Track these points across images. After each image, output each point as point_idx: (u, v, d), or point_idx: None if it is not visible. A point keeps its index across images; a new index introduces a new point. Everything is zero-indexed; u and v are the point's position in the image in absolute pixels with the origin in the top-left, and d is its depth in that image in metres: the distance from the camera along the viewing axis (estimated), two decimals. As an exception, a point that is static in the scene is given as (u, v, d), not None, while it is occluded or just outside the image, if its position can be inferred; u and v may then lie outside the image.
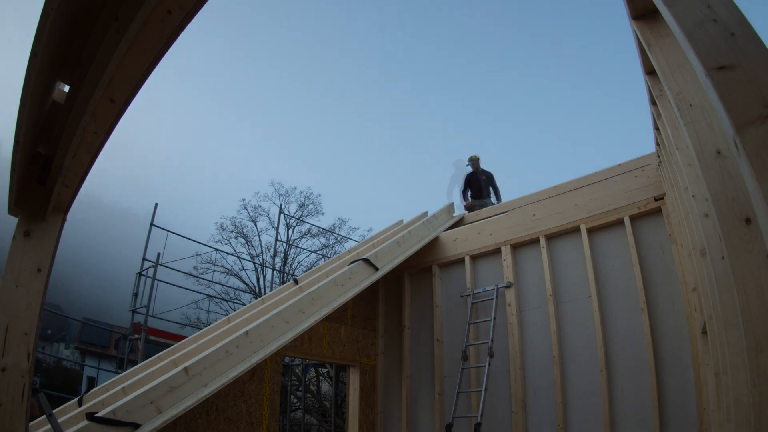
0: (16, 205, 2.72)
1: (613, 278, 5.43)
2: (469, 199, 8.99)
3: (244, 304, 10.96)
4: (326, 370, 14.21)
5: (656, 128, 4.29)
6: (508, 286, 6.10)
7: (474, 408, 5.79)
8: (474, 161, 9.28)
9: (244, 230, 19.78)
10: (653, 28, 2.73)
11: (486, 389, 5.55)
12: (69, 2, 1.71)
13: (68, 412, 4.43)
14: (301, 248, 18.19)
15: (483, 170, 9.22)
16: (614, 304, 5.33)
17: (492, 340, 5.80)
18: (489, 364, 5.68)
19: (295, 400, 13.68)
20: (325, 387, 15.42)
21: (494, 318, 5.93)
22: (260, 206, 20.62)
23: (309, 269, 10.28)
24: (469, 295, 6.40)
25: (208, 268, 17.26)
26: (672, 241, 5.03)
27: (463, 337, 6.38)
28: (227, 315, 7.08)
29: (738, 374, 2.10)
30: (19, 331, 2.47)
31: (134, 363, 6.98)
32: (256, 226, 20.05)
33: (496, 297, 6.07)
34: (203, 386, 4.18)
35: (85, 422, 3.43)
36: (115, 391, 4.57)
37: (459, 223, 7.82)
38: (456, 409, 5.75)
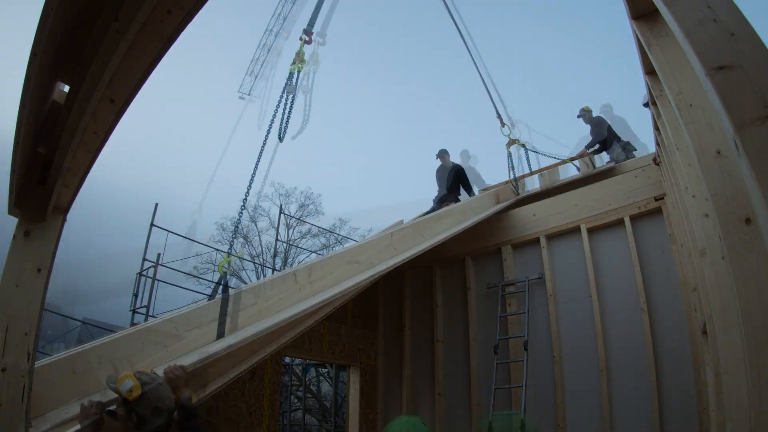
0: (16, 205, 2.71)
1: (613, 278, 5.43)
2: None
3: (244, 304, 10.96)
4: (326, 370, 14.21)
5: (656, 128, 4.29)
6: (539, 278, 5.92)
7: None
8: (441, 155, 8.49)
9: (245, 230, 19.78)
10: (653, 28, 2.73)
11: (527, 385, 5.39)
12: (69, 2, 1.71)
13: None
14: (301, 248, 18.21)
15: (454, 164, 8.40)
16: (614, 304, 5.33)
17: (528, 334, 5.67)
18: (526, 359, 5.56)
19: (295, 400, 13.67)
20: (325, 387, 15.41)
21: (527, 311, 5.79)
22: (260, 206, 20.62)
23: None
24: (497, 286, 6.22)
25: (209, 268, 17.25)
26: (672, 241, 5.03)
27: (463, 337, 6.38)
28: (227, 315, 7.07)
29: (738, 374, 2.10)
30: (19, 331, 2.46)
31: (134, 363, 6.98)
32: (256, 226, 20.04)
33: (528, 289, 5.92)
34: (203, 386, 4.18)
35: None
36: (115, 391, 4.56)
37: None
38: (494, 405, 5.56)
